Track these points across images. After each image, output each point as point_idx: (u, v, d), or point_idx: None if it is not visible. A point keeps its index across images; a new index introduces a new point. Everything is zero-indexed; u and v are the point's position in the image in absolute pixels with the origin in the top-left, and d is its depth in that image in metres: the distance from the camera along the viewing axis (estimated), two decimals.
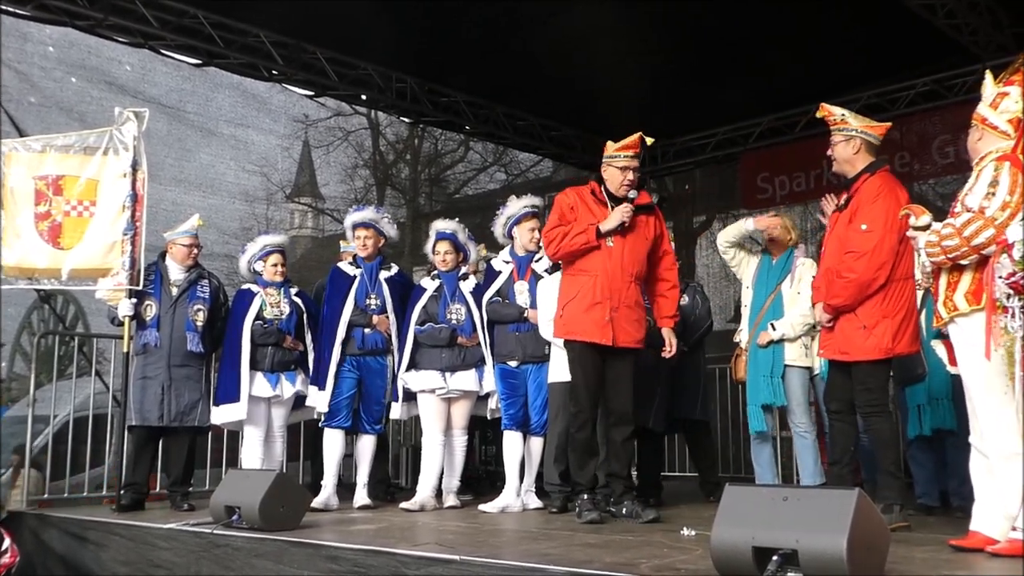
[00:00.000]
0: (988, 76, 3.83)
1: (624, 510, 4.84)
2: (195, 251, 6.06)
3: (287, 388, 5.97)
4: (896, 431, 4.49)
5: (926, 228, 3.60)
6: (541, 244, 5.77)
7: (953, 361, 3.75)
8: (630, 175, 4.93)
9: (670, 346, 4.99)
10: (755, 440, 5.62)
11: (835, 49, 7.90)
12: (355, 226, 6.04)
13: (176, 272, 6.01)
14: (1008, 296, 3.28)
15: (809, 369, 5.57)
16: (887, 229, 4.24)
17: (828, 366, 4.74)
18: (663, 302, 5.04)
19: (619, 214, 4.85)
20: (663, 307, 5.04)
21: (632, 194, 4.94)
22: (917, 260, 3.97)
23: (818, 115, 4.68)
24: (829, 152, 4.59)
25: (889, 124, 4.72)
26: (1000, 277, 3.31)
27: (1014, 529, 3.36)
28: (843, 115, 4.57)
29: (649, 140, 5.00)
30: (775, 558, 2.80)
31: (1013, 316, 3.30)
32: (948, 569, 3.26)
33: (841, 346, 4.40)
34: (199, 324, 5.90)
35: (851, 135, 4.50)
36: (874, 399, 4.38)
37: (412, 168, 20.47)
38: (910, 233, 3.70)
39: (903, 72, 8.63)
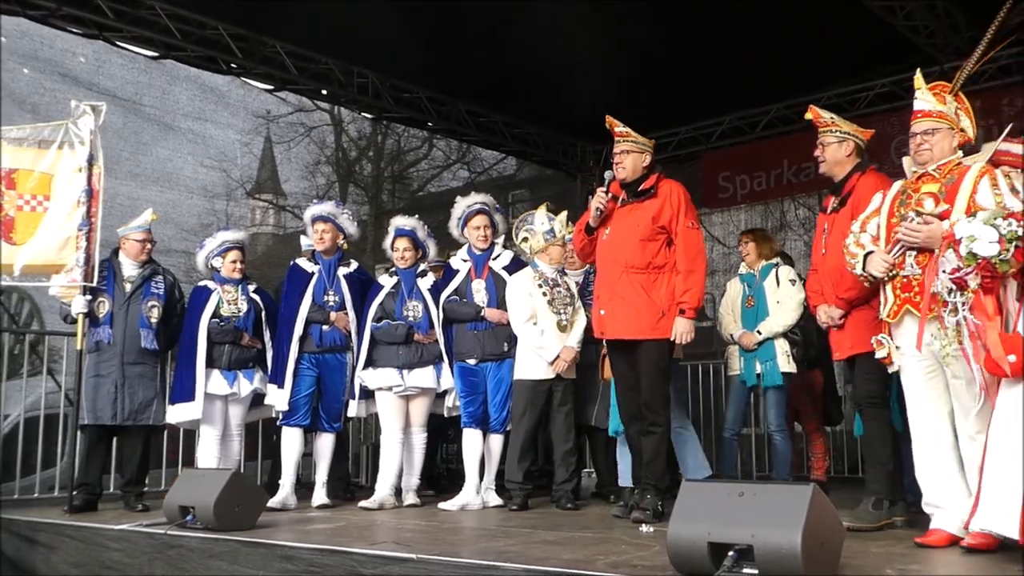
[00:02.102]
0: (919, 75, 3.90)
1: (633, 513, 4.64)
2: (149, 246, 5.97)
3: (244, 386, 5.89)
4: (891, 424, 4.46)
5: (941, 217, 3.56)
6: (495, 242, 5.78)
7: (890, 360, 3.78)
8: (615, 159, 4.86)
9: (674, 336, 4.65)
10: (620, 440, 5.48)
11: (796, 49, 7.96)
12: (314, 219, 5.98)
13: (129, 268, 5.90)
14: (950, 291, 3.28)
15: (684, 366, 5.59)
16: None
17: (844, 367, 4.63)
18: (674, 289, 4.70)
19: (593, 201, 4.83)
20: (674, 293, 4.71)
21: (607, 174, 4.88)
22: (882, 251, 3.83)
23: (807, 116, 4.62)
24: (817, 153, 4.55)
25: (872, 131, 4.69)
26: (944, 272, 3.32)
27: (967, 528, 3.38)
28: (832, 118, 4.57)
29: (607, 123, 4.90)
30: (731, 553, 2.80)
31: (954, 311, 3.30)
32: (902, 563, 3.27)
33: (852, 340, 4.33)
34: (153, 321, 5.80)
35: (845, 137, 4.48)
36: (876, 390, 4.32)
37: (375, 165, 20.37)
38: (928, 218, 3.59)
39: (863, 73, 8.72)
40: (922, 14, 7.30)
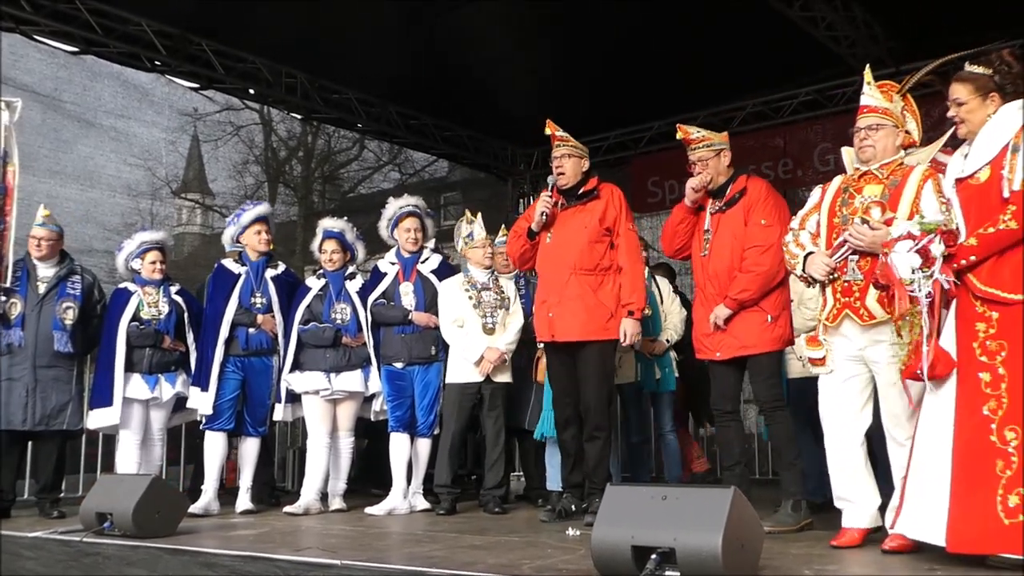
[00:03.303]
0: (868, 71, 3.94)
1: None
2: (45, 244, 5.74)
3: (166, 390, 5.75)
4: (793, 426, 4.56)
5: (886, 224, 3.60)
6: (426, 246, 5.77)
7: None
8: (555, 163, 4.92)
9: (622, 336, 4.76)
10: (549, 443, 5.59)
11: (722, 57, 8.08)
12: (258, 220, 5.87)
13: (44, 268, 5.72)
14: (912, 270, 3.23)
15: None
16: (783, 223, 4.29)
17: (709, 367, 4.63)
18: (620, 290, 4.80)
19: (539, 205, 4.87)
20: (620, 295, 4.80)
21: (550, 179, 4.93)
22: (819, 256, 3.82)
23: (678, 136, 4.67)
24: (699, 170, 4.55)
25: (726, 132, 4.80)
26: (901, 258, 3.26)
27: (893, 527, 3.45)
28: (701, 132, 4.62)
29: (547, 130, 4.97)
30: (653, 556, 2.83)
31: (924, 292, 3.24)
32: (820, 564, 3.34)
33: (743, 341, 4.36)
34: (68, 322, 5.62)
35: (722, 148, 4.58)
36: (778, 392, 4.42)
37: (305, 165, 20.15)
38: (875, 223, 3.59)
39: (787, 82, 8.90)
40: (842, 25, 7.48)
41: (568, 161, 4.90)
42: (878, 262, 3.41)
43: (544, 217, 4.86)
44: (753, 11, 7.14)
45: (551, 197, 4.88)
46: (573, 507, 4.86)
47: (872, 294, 3.61)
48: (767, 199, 4.43)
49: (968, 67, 3.46)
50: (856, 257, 3.67)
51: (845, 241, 3.68)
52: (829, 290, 3.77)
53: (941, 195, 3.52)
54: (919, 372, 3.27)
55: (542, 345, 5.54)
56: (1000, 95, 3.37)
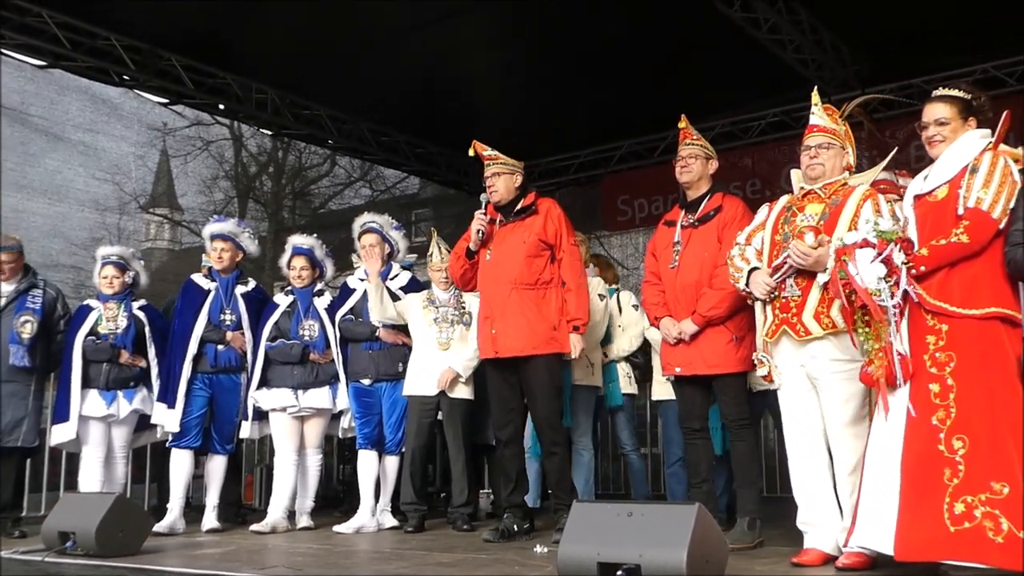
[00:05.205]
0: (816, 92, 4.00)
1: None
2: (7, 267, 5.67)
3: (124, 407, 5.66)
4: (757, 445, 4.59)
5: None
6: (392, 262, 5.75)
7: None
8: (487, 183, 4.92)
9: (573, 351, 4.76)
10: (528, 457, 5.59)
11: (692, 78, 8.17)
12: (213, 237, 5.84)
13: (5, 282, 5.66)
14: (878, 279, 3.26)
15: (596, 388, 5.68)
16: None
17: (676, 385, 4.69)
18: (565, 305, 4.80)
19: (474, 224, 4.86)
20: (565, 310, 4.80)
21: (482, 197, 4.93)
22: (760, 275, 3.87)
23: (680, 125, 4.63)
24: (685, 165, 4.53)
25: None
26: (863, 268, 3.27)
27: (847, 546, 3.48)
28: (698, 135, 4.63)
29: (471, 151, 4.99)
30: (619, 573, 2.84)
31: (892, 303, 3.26)
32: None
33: (708, 360, 4.36)
34: (25, 336, 5.53)
35: (711, 155, 4.59)
36: (745, 411, 4.44)
37: (275, 181, 20.06)
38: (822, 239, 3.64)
39: (755, 103, 9.01)
40: (810, 48, 7.60)
41: (499, 179, 4.88)
42: (835, 270, 3.43)
43: (480, 235, 4.85)
44: (722, 33, 7.24)
45: (485, 215, 4.88)
46: (515, 527, 4.83)
47: (808, 310, 3.68)
48: (743, 218, 4.38)
49: (943, 91, 3.53)
50: (794, 274, 3.73)
51: (785, 261, 3.73)
52: (769, 307, 3.84)
53: (879, 213, 3.58)
54: (876, 378, 3.31)
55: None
56: (977, 120, 3.47)
